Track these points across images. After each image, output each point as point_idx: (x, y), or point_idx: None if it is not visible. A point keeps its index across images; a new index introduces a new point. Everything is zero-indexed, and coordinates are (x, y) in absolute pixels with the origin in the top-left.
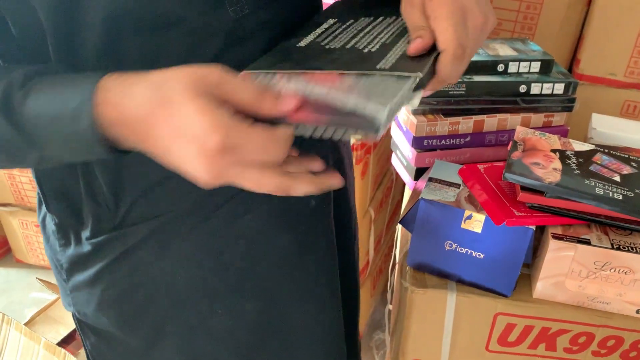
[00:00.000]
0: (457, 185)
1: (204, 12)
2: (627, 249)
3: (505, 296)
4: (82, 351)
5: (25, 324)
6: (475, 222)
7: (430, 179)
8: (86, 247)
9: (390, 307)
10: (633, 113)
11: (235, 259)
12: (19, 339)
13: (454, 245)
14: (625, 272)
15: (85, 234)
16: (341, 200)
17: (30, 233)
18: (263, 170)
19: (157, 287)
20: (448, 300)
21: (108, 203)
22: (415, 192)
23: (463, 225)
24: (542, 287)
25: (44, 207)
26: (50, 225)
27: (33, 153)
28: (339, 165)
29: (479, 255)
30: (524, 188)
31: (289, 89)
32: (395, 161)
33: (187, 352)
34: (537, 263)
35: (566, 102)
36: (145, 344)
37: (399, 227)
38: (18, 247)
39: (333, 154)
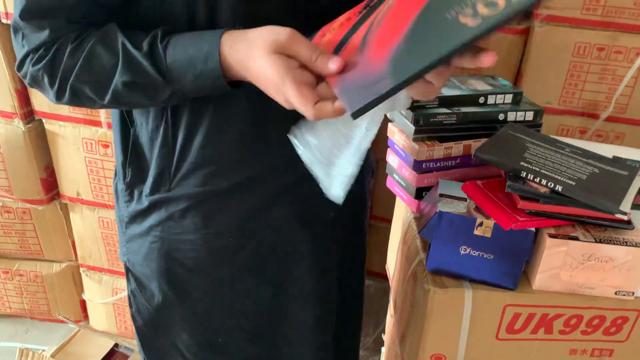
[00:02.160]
0: (464, 199)
1: None
2: (606, 241)
3: (511, 290)
4: None
5: None
6: (486, 228)
7: (441, 195)
8: (144, 202)
9: (391, 313)
10: (567, 135)
11: (262, 245)
12: None
13: (468, 250)
14: (606, 261)
15: (146, 191)
16: (356, 220)
17: None
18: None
19: (195, 252)
20: (466, 297)
21: (170, 167)
22: (424, 211)
23: (475, 232)
24: (540, 279)
25: (117, 177)
26: (121, 186)
27: (167, 90)
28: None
29: (490, 256)
30: (523, 197)
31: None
32: (390, 183)
33: (203, 321)
34: (536, 259)
35: (535, 127)
36: (168, 301)
37: (398, 243)
38: None
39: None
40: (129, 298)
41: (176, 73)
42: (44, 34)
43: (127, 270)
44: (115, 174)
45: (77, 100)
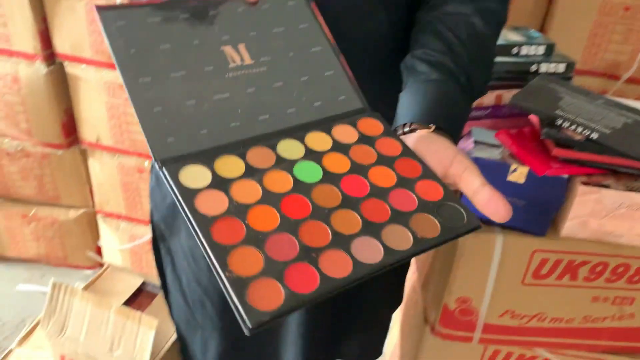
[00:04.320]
0: (499, 146)
1: None
2: (638, 190)
3: (540, 235)
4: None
5: None
6: (520, 174)
7: (476, 142)
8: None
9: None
10: None
11: None
12: (85, 307)
13: None
14: (637, 209)
15: None
16: None
17: (13, 225)
18: None
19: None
20: (496, 241)
21: None
22: None
23: (509, 178)
24: (569, 226)
25: None
26: None
27: None
28: None
29: (522, 202)
30: (558, 144)
31: None
32: None
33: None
34: (565, 206)
35: (566, 79)
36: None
37: None
38: None
39: None
40: (151, 193)
41: None
42: None
43: (152, 166)
44: None
45: None
